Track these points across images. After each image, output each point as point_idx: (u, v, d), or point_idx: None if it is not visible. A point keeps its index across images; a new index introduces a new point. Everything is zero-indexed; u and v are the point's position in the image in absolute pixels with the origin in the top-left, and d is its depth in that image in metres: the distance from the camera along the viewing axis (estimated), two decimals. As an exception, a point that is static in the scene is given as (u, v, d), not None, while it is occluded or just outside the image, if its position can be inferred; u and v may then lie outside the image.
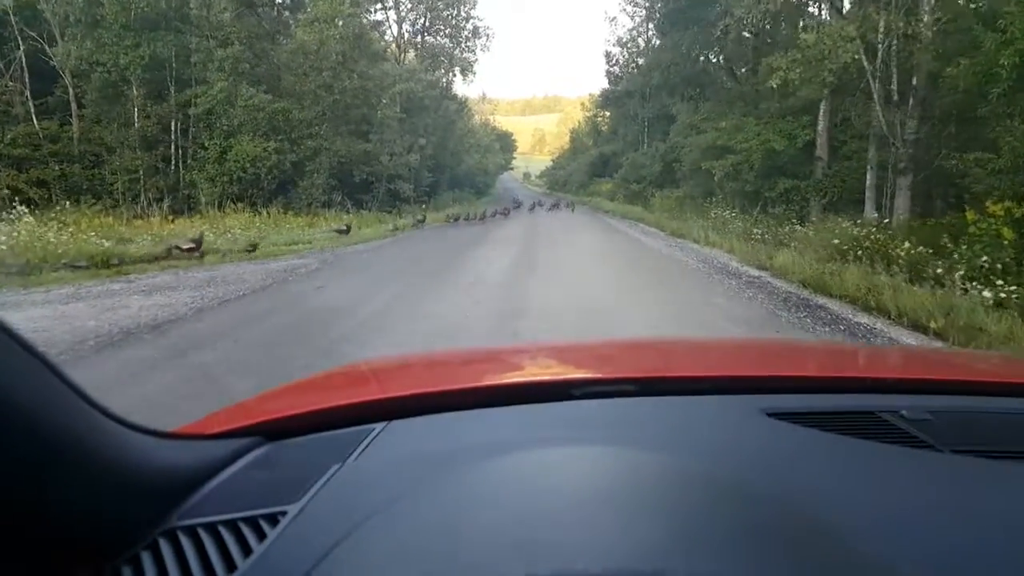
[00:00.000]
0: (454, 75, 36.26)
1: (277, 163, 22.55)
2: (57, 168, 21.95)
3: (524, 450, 0.75)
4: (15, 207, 12.62)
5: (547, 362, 1.51)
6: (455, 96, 37.58)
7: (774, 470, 0.73)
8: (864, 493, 0.68)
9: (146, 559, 0.61)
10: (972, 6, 11.62)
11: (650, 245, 14.38)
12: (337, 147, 24.06)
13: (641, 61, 36.40)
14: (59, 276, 9.39)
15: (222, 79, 22.91)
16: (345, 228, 16.41)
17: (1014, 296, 6.33)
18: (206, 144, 23.09)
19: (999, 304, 6.24)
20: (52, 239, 10.42)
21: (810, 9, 19.06)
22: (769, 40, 19.48)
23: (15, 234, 10.53)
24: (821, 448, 0.80)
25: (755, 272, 9.46)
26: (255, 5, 25.44)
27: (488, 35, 36.41)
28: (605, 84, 43.16)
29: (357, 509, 0.63)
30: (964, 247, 7.77)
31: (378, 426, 0.88)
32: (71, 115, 23.27)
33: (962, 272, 6.75)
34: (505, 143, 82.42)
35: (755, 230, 13.92)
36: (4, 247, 9.71)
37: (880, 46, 12.37)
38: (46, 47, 22.76)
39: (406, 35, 35.29)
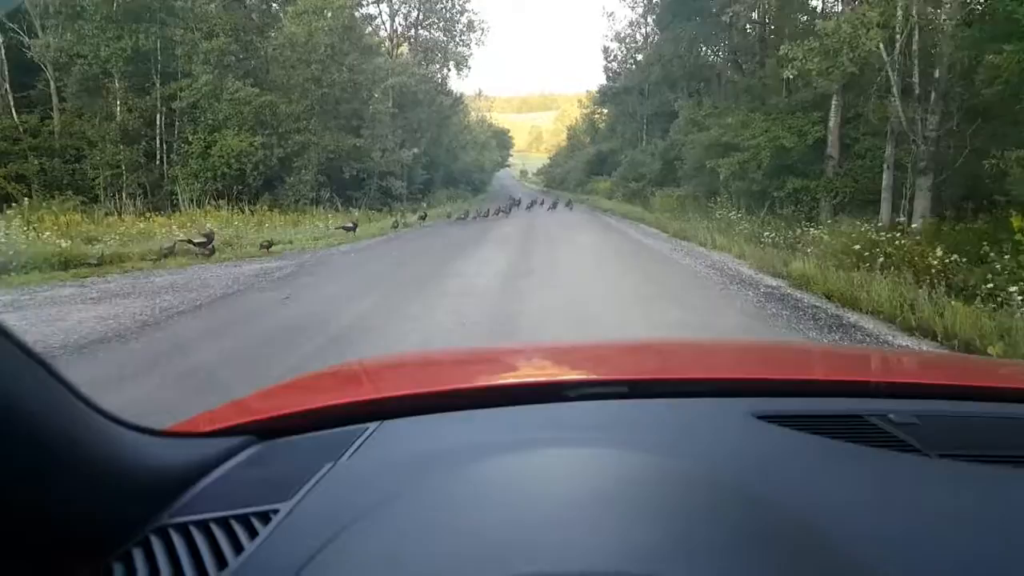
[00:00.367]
0: (448, 69, 35.33)
1: (263, 158, 21.84)
2: (37, 163, 21.11)
3: (516, 451, 0.75)
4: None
5: (540, 363, 1.49)
6: (450, 91, 36.50)
7: (762, 473, 0.73)
8: (852, 497, 0.68)
9: (138, 556, 0.61)
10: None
11: (654, 248, 13.50)
12: (326, 142, 23.21)
13: (640, 57, 36.12)
14: (8, 280, 8.58)
15: (207, 72, 22.17)
16: (352, 225, 16.19)
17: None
18: (190, 139, 22.35)
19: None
20: (1, 239, 9.55)
21: None
22: (773, 28, 18.62)
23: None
24: (809, 451, 0.80)
25: (772, 281, 8.58)
26: (242, -4, 24.62)
27: (483, 29, 35.55)
28: (602, 81, 42.43)
29: (349, 508, 0.63)
30: (1007, 256, 6.96)
31: (371, 426, 0.88)
32: (52, 108, 22.42)
33: (1017, 288, 5.83)
34: (502, 140, 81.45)
35: (765, 232, 13.06)
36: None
37: (899, 35, 11.56)
38: (26, 39, 21.93)
39: (399, 29, 34.40)
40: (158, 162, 22.68)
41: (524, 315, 6.46)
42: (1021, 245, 6.71)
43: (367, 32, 30.04)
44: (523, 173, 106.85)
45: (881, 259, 8.51)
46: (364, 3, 31.29)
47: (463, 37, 34.77)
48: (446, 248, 13.35)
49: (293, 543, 0.60)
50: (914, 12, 10.95)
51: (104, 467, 0.60)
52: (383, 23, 33.87)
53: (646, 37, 36.78)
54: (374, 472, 0.76)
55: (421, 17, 34.22)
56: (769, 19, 18.88)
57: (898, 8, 11.16)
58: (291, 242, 13.58)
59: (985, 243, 7.54)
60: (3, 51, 21.60)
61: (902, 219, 11.85)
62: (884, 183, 13.22)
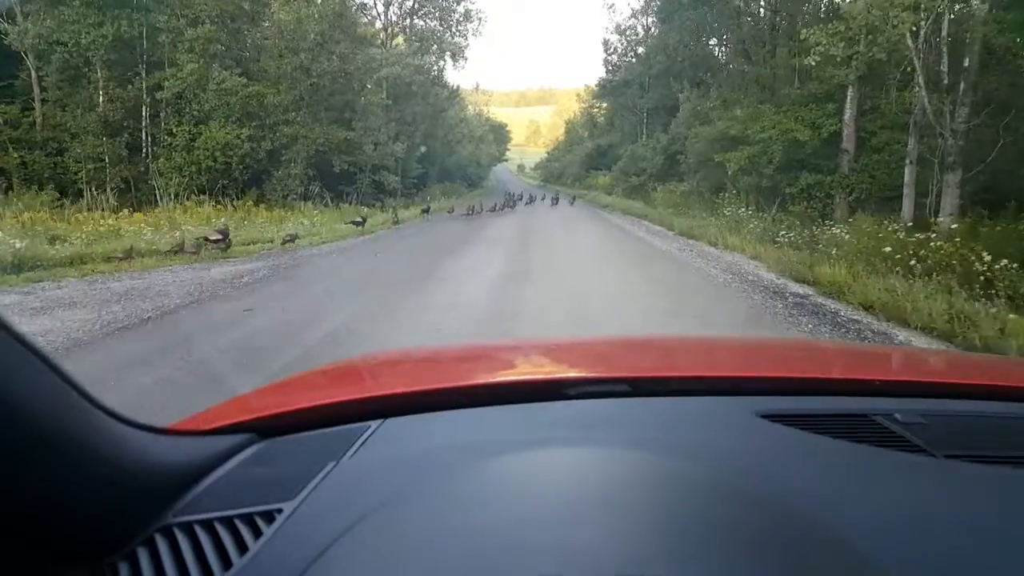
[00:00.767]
0: (444, 61, 34.29)
1: (250, 151, 20.90)
2: (17, 156, 20.16)
3: (518, 450, 0.74)
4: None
5: (542, 360, 1.46)
6: (446, 83, 35.51)
7: (766, 473, 0.71)
8: (857, 497, 0.67)
9: (143, 556, 0.61)
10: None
11: (661, 248, 12.62)
12: (316, 135, 22.21)
13: (641, 49, 35.34)
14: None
15: (192, 61, 21.20)
16: (361, 220, 16.06)
17: None
18: (174, 131, 21.39)
19: None
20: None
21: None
22: (785, 16, 17.71)
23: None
24: (814, 451, 0.78)
25: (797, 288, 7.72)
26: (229, -18, 23.60)
27: (480, 19, 34.67)
28: (601, 75, 41.59)
29: (352, 507, 0.63)
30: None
31: (373, 423, 0.87)
32: (34, 99, 21.45)
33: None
34: (499, 134, 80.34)
35: (780, 231, 12.21)
36: None
37: (923, 22, 10.72)
38: (5, 25, 20.96)
39: (393, 18, 33.39)
40: (143, 155, 21.76)
41: (535, 325, 5.65)
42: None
43: (363, 23, 29.12)
44: (521, 168, 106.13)
45: (914, 262, 7.71)
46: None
47: (459, 27, 33.73)
48: (453, 247, 12.54)
49: (298, 543, 0.59)
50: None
51: (110, 466, 0.60)
52: (378, 14, 32.92)
53: (647, 29, 36.08)
54: (377, 470, 0.75)
55: (416, 6, 33.22)
56: (780, 5, 17.98)
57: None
58: (271, 241, 12.70)
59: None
60: (-18, 39, 20.67)
61: (931, 217, 11.02)
62: (906, 179, 12.39)
